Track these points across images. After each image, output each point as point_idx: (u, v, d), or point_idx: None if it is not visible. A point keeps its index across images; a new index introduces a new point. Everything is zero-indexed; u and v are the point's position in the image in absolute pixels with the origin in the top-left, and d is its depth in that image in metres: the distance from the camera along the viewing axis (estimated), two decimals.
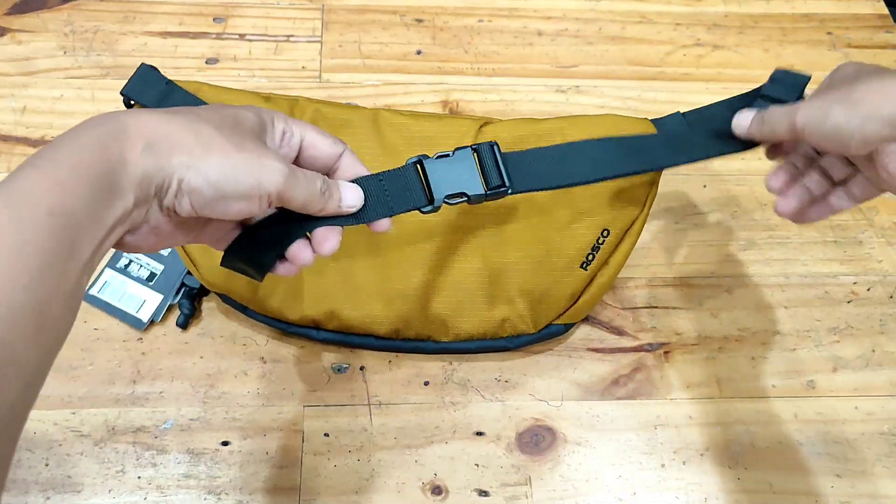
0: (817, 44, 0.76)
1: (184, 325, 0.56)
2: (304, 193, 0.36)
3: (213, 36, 0.72)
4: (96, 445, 0.52)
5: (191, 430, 0.53)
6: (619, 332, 0.59)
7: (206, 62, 0.70)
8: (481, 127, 0.53)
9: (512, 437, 0.54)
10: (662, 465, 0.53)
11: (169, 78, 0.52)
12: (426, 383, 0.56)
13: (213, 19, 0.73)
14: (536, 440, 0.54)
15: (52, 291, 0.28)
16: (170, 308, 0.57)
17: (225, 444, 0.52)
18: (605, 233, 0.53)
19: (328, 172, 0.40)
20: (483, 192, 0.43)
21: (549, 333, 0.56)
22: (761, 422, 0.55)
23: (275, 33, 0.73)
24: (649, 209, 0.53)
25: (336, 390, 0.55)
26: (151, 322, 0.56)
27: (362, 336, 0.55)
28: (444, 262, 0.53)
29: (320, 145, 0.39)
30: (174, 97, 0.51)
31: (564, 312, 0.55)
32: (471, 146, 0.43)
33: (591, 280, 0.54)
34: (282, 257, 0.39)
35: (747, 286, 0.61)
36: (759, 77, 0.74)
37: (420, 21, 0.75)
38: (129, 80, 0.51)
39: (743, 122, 0.47)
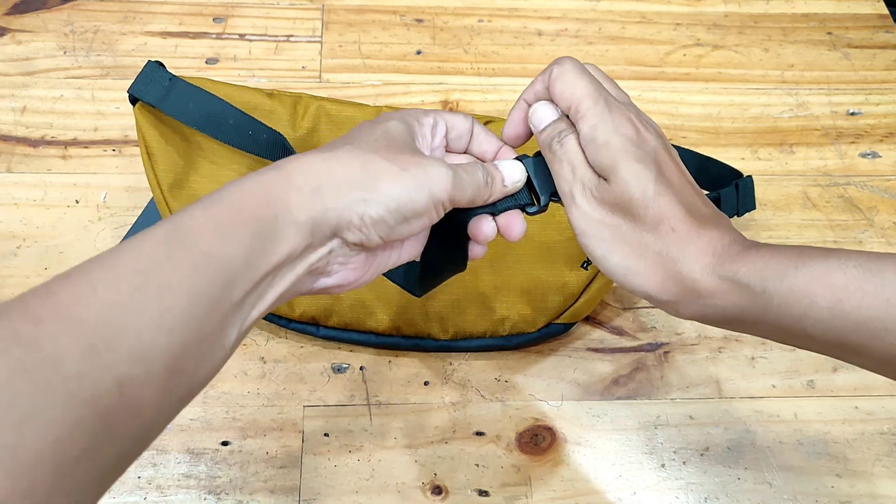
0: (817, 44, 0.76)
1: None
2: (471, 189, 0.36)
3: (213, 36, 0.72)
4: None
5: (191, 430, 0.53)
6: (619, 332, 0.59)
7: (206, 62, 0.70)
8: (484, 125, 0.53)
9: (512, 437, 0.54)
10: (662, 465, 0.53)
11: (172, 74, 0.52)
12: (426, 383, 0.55)
13: (213, 19, 0.73)
14: (536, 440, 0.54)
15: (195, 336, 0.27)
16: None
17: (225, 444, 0.52)
18: None
19: (466, 148, 0.41)
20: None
21: (548, 333, 0.56)
22: (761, 422, 0.55)
23: (275, 33, 0.73)
24: None
25: (336, 390, 0.55)
26: None
27: (362, 333, 0.55)
28: None
29: (458, 125, 0.40)
30: (176, 92, 0.51)
31: (564, 312, 0.55)
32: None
33: (592, 280, 0.54)
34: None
35: None
36: (759, 77, 0.74)
37: (420, 21, 0.75)
38: (136, 78, 0.51)
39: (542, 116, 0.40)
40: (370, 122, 0.37)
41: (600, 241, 0.37)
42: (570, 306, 0.54)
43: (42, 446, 0.22)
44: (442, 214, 0.36)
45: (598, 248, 0.37)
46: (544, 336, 0.56)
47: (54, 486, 0.23)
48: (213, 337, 0.28)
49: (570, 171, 0.38)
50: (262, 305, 0.31)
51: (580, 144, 0.38)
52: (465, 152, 0.41)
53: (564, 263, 0.53)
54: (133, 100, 0.52)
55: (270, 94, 0.54)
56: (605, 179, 0.37)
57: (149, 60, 0.52)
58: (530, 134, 0.42)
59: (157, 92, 0.51)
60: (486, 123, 0.54)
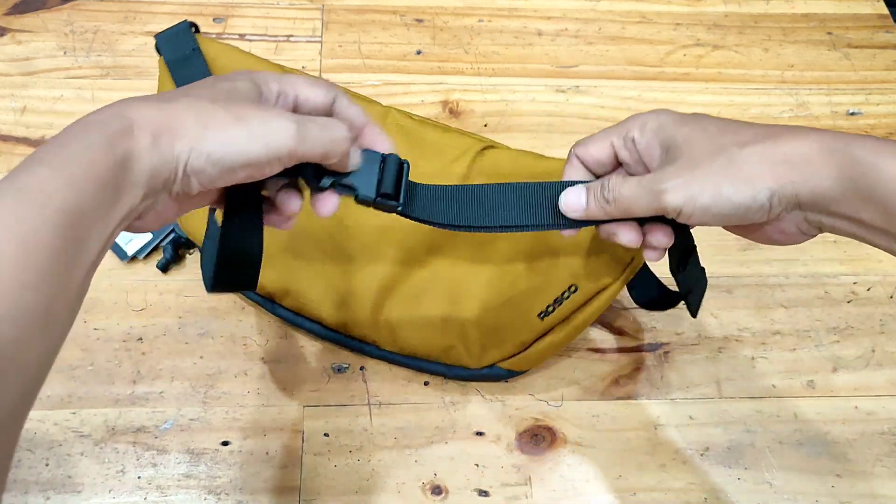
0: (817, 44, 0.76)
1: (164, 268, 0.58)
2: (323, 143, 0.35)
3: (213, 36, 0.72)
4: (96, 445, 0.52)
5: (191, 430, 0.53)
6: (619, 332, 0.59)
7: None
8: (484, 149, 0.52)
9: (512, 437, 0.54)
10: (662, 465, 0.53)
11: (201, 35, 0.54)
12: (426, 383, 0.55)
13: (213, 19, 0.73)
14: (536, 440, 0.54)
15: (59, 290, 0.28)
16: (156, 251, 0.59)
17: (225, 444, 0.52)
18: (573, 288, 0.50)
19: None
20: (372, 197, 0.40)
21: (490, 374, 0.54)
22: (761, 422, 0.55)
23: (275, 33, 0.73)
24: (625, 283, 0.51)
25: (336, 390, 0.55)
26: (134, 257, 0.58)
27: (312, 321, 0.54)
28: (408, 274, 0.52)
29: (313, 98, 0.39)
30: (191, 66, 0.52)
31: (510, 358, 0.53)
32: (381, 154, 0.40)
33: (546, 333, 0.52)
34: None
35: (747, 286, 0.61)
36: (759, 77, 0.74)
37: (420, 21, 0.75)
38: (166, 30, 0.53)
39: (575, 202, 0.41)
40: (217, 76, 0.37)
41: (706, 193, 0.37)
42: (518, 353, 0.52)
43: None
44: (281, 168, 0.35)
45: (707, 197, 0.37)
46: (485, 376, 0.54)
47: None
48: (76, 289, 0.29)
49: (641, 188, 0.39)
50: (105, 252, 0.32)
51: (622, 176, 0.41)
52: None
53: (523, 308, 0.51)
54: (158, 48, 0.53)
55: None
56: (675, 150, 0.38)
57: (185, 20, 0.53)
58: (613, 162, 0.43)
59: (174, 54, 0.52)
60: (488, 147, 0.52)
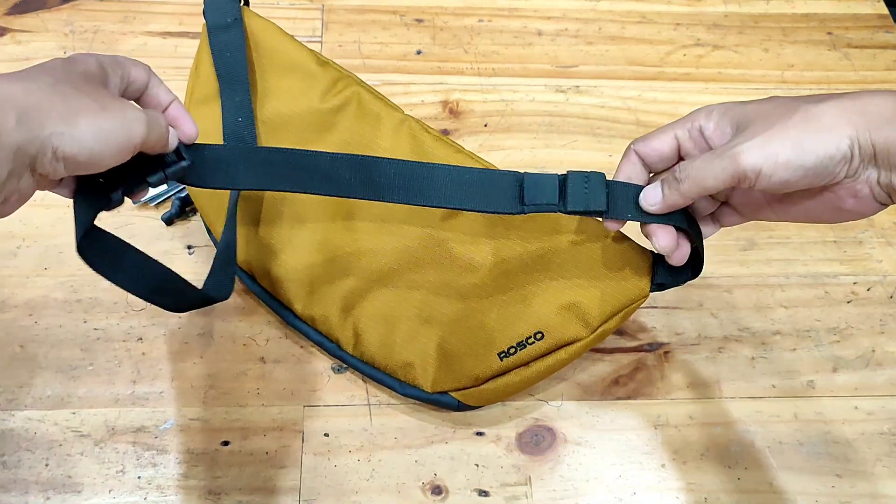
0: (817, 44, 0.76)
1: (168, 221, 0.61)
2: (158, 134, 0.38)
3: None
4: (96, 445, 0.52)
5: (191, 430, 0.53)
6: (619, 331, 0.59)
7: None
8: None
9: (512, 437, 0.54)
10: (662, 465, 0.53)
11: (246, 8, 0.56)
12: None
13: None
14: (536, 440, 0.54)
15: None
16: (164, 203, 0.62)
17: (225, 444, 0.52)
18: (539, 335, 0.49)
19: (139, 97, 0.42)
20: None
21: (440, 400, 0.52)
22: (761, 422, 0.55)
23: None
24: (598, 339, 0.50)
25: (336, 390, 0.55)
26: (145, 203, 0.62)
27: (283, 307, 0.54)
28: (389, 282, 0.51)
29: (139, 77, 0.41)
30: (228, 35, 0.54)
31: (463, 389, 0.51)
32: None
33: (503, 374, 0.50)
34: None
35: (747, 286, 0.61)
36: (759, 77, 0.74)
37: (420, 21, 0.75)
38: None
39: (652, 195, 0.42)
40: (65, 59, 0.38)
41: (786, 148, 0.36)
42: (470, 387, 0.51)
43: None
44: (128, 158, 0.36)
45: (788, 154, 0.36)
46: (435, 401, 0.52)
47: None
48: None
49: (715, 156, 0.38)
50: None
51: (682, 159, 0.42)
52: (137, 100, 0.42)
53: (485, 343, 0.50)
54: (204, 13, 0.55)
55: (322, 63, 0.54)
56: (746, 122, 0.39)
57: None
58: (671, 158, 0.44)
59: (217, 21, 0.55)
60: None
